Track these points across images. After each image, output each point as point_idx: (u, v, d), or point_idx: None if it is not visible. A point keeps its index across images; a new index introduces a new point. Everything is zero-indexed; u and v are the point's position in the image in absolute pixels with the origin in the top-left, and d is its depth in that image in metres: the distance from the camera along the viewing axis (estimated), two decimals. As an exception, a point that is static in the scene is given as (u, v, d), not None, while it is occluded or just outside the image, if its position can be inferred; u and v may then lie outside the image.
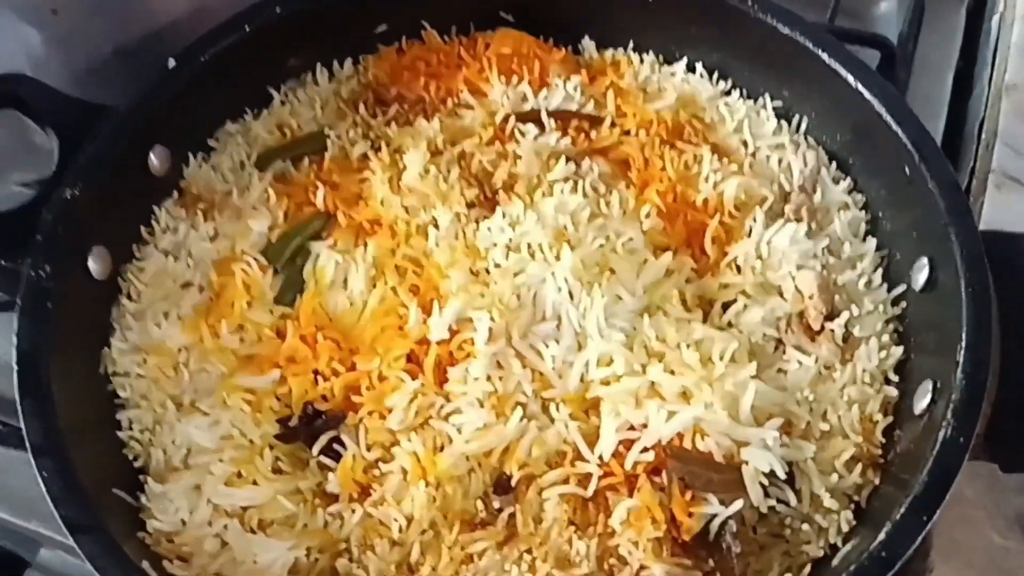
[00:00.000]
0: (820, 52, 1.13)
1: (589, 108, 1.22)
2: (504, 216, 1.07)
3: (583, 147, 1.17)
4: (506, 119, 1.18)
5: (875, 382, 1.00)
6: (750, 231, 1.09)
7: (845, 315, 1.02)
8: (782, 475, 0.91)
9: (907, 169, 1.04)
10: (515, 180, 1.12)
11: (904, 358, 1.02)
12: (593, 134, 1.19)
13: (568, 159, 1.13)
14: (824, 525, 0.92)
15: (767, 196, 1.11)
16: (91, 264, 1.04)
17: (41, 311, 0.95)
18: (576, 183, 1.10)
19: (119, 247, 1.09)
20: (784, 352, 1.03)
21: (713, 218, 1.09)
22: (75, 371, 0.98)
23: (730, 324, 1.04)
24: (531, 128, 1.18)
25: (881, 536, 0.81)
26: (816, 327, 1.03)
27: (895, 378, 1.01)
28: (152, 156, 1.12)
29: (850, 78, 1.11)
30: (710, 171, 1.12)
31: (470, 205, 1.09)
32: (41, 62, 1.22)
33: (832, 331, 1.02)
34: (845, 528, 0.92)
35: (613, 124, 1.19)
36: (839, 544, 0.91)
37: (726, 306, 1.05)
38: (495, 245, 1.05)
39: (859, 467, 0.94)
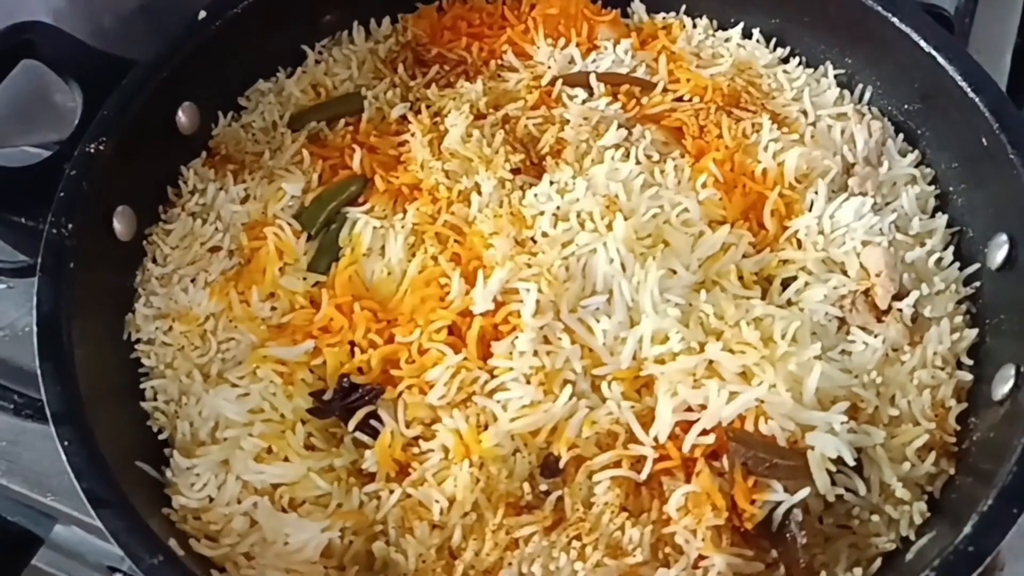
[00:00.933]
0: (890, 15, 1.06)
1: (640, 73, 1.15)
2: (552, 183, 1.01)
3: (634, 113, 1.11)
4: (552, 82, 1.12)
5: (947, 366, 0.94)
6: (811, 205, 1.02)
7: (914, 295, 0.96)
8: (851, 462, 0.85)
9: (984, 140, 0.97)
10: (563, 146, 1.06)
11: (978, 341, 0.95)
12: (644, 100, 1.13)
13: (619, 126, 1.06)
14: (895, 516, 0.86)
15: (831, 167, 1.05)
16: (115, 224, 0.99)
17: (63, 271, 0.89)
18: (628, 151, 1.04)
19: (144, 208, 1.03)
20: (848, 332, 0.96)
21: (773, 190, 1.03)
22: (97, 337, 0.93)
23: (790, 302, 0.98)
24: (579, 92, 1.12)
25: (967, 530, 0.75)
26: (883, 306, 0.97)
27: (969, 362, 0.94)
28: (180, 113, 1.07)
29: (923, 42, 1.04)
30: (769, 140, 1.06)
31: (515, 171, 1.04)
32: (63, 15, 1.17)
33: (900, 311, 0.96)
34: (918, 520, 0.85)
35: (665, 90, 1.13)
36: (911, 537, 0.85)
37: (786, 284, 0.99)
38: (542, 213, 0.99)
39: (932, 455, 0.88)
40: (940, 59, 1.02)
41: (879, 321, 0.96)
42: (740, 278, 0.98)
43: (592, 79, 1.12)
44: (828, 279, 0.98)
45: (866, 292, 0.97)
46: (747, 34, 1.20)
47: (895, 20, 1.06)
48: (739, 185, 1.04)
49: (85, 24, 1.19)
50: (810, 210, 1.02)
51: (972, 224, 1.01)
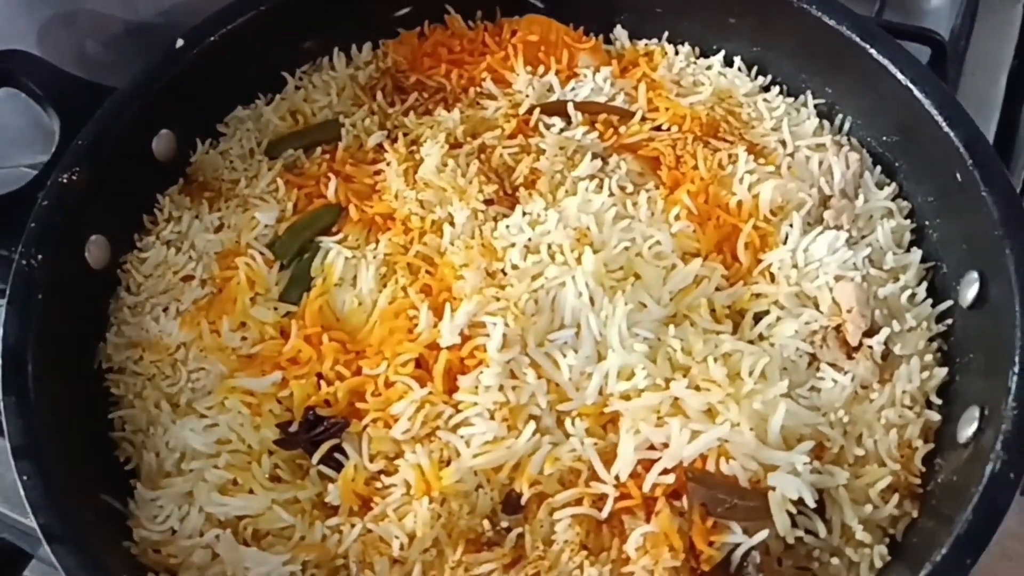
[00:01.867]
0: (868, 46, 1.06)
1: (619, 101, 1.15)
2: (524, 214, 1.01)
3: (611, 143, 1.11)
4: (530, 111, 1.12)
5: (916, 405, 0.93)
6: (786, 238, 1.02)
7: (885, 331, 0.95)
8: (812, 503, 0.84)
9: (958, 175, 0.97)
10: (537, 176, 1.06)
11: (948, 380, 0.94)
12: (622, 129, 1.12)
13: (595, 155, 1.06)
14: (855, 559, 0.85)
15: (805, 200, 1.04)
16: (88, 254, 0.99)
17: (31, 303, 0.90)
18: (602, 181, 1.04)
19: (119, 236, 1.04)
20: (818, 369, 0.96)
21: (747, 223, 1.02)
22: (66, 366, 0.93)
23: (761, 337, 0.98)
24: (557, 121, 1.12)
25: (920, 577, 0.75)
26: (853, 343, 0.96)
27: (938, 401, 0.93)
28: (156, 141, 1.08)
29: (899, 74, 1.03)
30: (745, 172, 1.05)
31: (488, 202, 1.03)
32: (50, 40, 1.18)
33: (871, 348, 0.95)
34: (879, 564, 0.85)
35: (644, 119, 1.13)
36: (871, 581, 0.85)
37: (758, 317, 0.99)
38: (513, 245, 0.99)
39: (896, 497, 0.87)
40: (916, 92, 1.01)
41: (849, 358, 0.95)
42: (712, 311, 0.98)
43: (570, 108, 1.12)
44: (800, 314, 0.97)
45: (837, 328, 0.97)
46: (729, 61, 1.20)
47: (873, 51, 1.05)
48: (713, 217, 1.04)
49: (69, 48, 1.20)
50: (784, 243, 1.02)
51: (946, 259, 1.01)
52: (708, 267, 0.99)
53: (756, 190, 1.04)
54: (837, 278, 0.99)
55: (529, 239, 0.99)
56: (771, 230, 1.03)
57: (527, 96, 1.14)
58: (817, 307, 0.98)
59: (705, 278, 0.99)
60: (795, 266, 1.00)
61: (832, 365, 0.95)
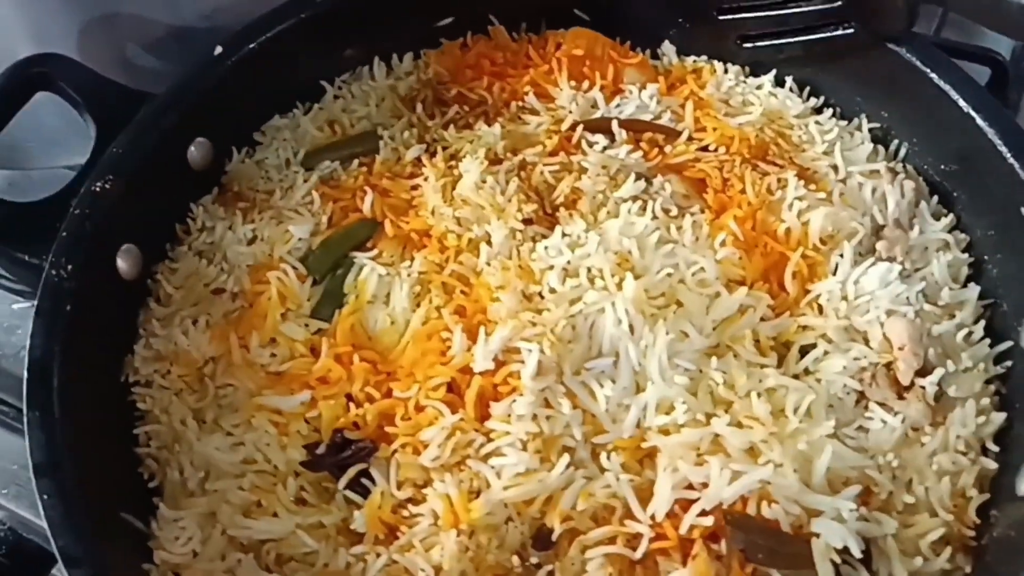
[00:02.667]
0: (928, 70, 1.01)
1: (665, 119, 1.12)
2: (563, 236, 0.98)
3: (656, 162, 1.07)
4: (573, 127, 1.09)
5: (971, 451, 0.89)
6: (836, 268, 0.98)
7: (939, 372, 0.91)
8: (858, 553, 0.80)
9: (1023, 208, 0.92)
10: (578, 196, 1.03)
11: (1006, 426, 0.90)
12: (668, 148, 1.09)
13: (638, 176, 1.03)
14: (903, 615, 0.81)
15: (857, 229, 1.00)
16: (120, 263, 0.98)
17: (59, 315, 0.88)
18: (645, 204, 1.00)
19: (151, 245, 1.02)
20: (866, 407, 0.91)
21: (795, 251, 0.98)
22: (93, 379, 0.92)
23: (807, 371, 0.93)
24: (600, 139, 1.08)
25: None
26: (905, 382, 0.92)
27: (995, 448, 0.89)
28: (192, 149, 1.06)
29: (960, 100, 0.99)
30: (795, 198, 1.02)
31: (527, 221, 1.00)
32: (90, 43, 1.17)
33: (923, 388, 0.91)
34: (929, 620, 0.81)
35: (690, 139, 1.09)
36: (918, 638, 0.80)
37: (804, 351, 0.94)
38: (551, 268, 0.96)
39: (948, 551, 0.83)
40: (979, 120, 0.98)
41: (900, 397, 0.91)
42: (756, 342, 0.94)
43: (614, 125, 1.09)
44: (848, 349, 0.93)
45: (888, 365, 0.93)
46: (780, 82, 1.16)
47: (933, 76, 1.01)
48: (760, 244, 1.00)
49: (109, 52, 1.19)
50: (834, 274, 0.98)
51: (1006, 297, 0.96)
52: (754, 296, 0.96)
53: (806, 217, 1.01)
54: (889, 313, 0.95)
55: (568, 262, 0.96)
56: (820, 259, 0.99)
57: (570, 112, 1.11)
58: (867, 343, 0.94)
59: (751, 308, 0.95)
60: (844, 298, 0.96)
61: (881, 404, 0.91)
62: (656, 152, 1.08)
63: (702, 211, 1.02)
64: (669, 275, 0.95)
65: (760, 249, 1.00)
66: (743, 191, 1.03)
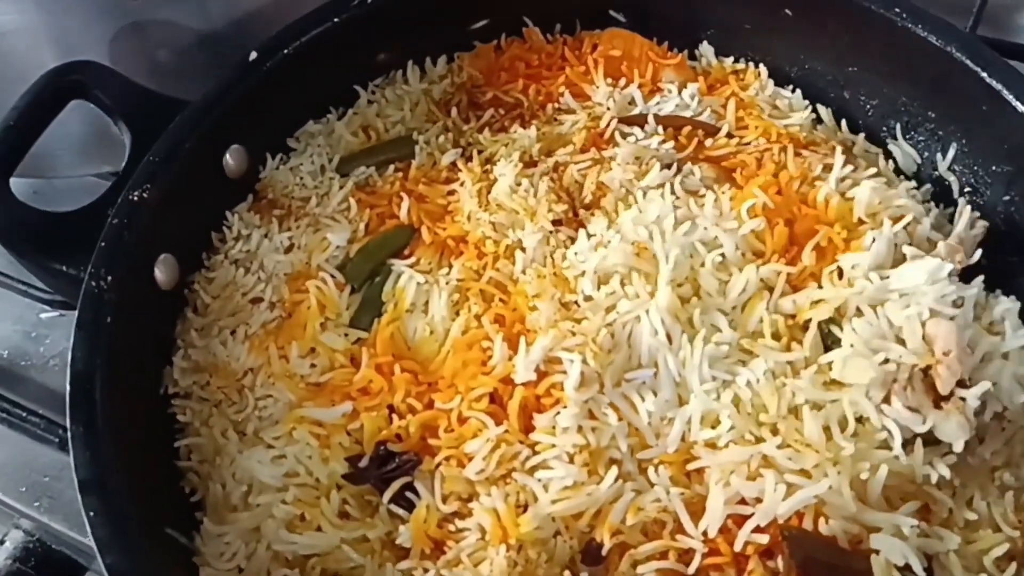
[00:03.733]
0: (979, 69, 0.99)
1: (705, 118, 1.09)
2: (589, 237, 0.96)
3: (688, 153, 1.04)
4: (608, 124, 1.06)
5: (1035, 465, 0.86)
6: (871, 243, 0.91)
7: (984, 384, 0.84)
8: (920, 571, 0.78)
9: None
10: (604, 193, 1.00)
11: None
12: (708, 143, 1.06)
13: (666, 165, 1.00)
14: (969, 632, 0.79)
15: (906, 211, 0.94)
16: (157, 273, 0.97)
17: (100, 326, 0.87)
18: (667, 186, 0.98)
19: (188, 255, 1.01)
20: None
21: (833, 225, 0.93)
22: (134, 392, 0.91)
23: (831, 376, 0.87)
24: (636, 131, 1.06)
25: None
26: (944, 391, 0.84)
27: (1059, 462, 0.86)
28: (227, 156, 1.05)
29: (1013, 99, 0.96)
30: (838, 175, 0.97)
31: (556, 222, 0.98)
32: (120, 53, 1.15)
33: (963, 400, 0.84)
34: (994, 637, 0.78)
35: (730, 135, 1.06)
36: (984, 656, 0.78)
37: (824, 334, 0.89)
38: (583, 274, 0.94)
39: (1013, 567, 0.80)
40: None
41: (936, 407, 0.85)
42: (775, 333, 0.89)
43: (651, 119, 1.07)
44: (879, 350, 0.86)
45: (926, 370, 0.86)
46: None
47: (984, 75, 0.98)
48: (789, 211, 0.95)
49: (141, 60, 1.17)
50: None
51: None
52: (771, 268, 0.91)
53: (851, 191, 0.96)
54: (932, 313, 0.88)
55: (596, 266, 0.93)
56: (860, 234, 0.93)
57: (608, 108, 1.09)
58: (901, 341, 0.87)
59: (765, 288, 0.91)
60: (870, 278, 0.90)
61: (913, 410, 0.84)
62: (695, 144, 1.05)
63: (730, 188, 0.99)
64: (691, 257, 0.91)
65: (787, 217, 0.94)
66: (783, 168, 1.00)
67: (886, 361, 0.86)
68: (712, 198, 0.96)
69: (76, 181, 1.30)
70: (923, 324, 0.88)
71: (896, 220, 0.94)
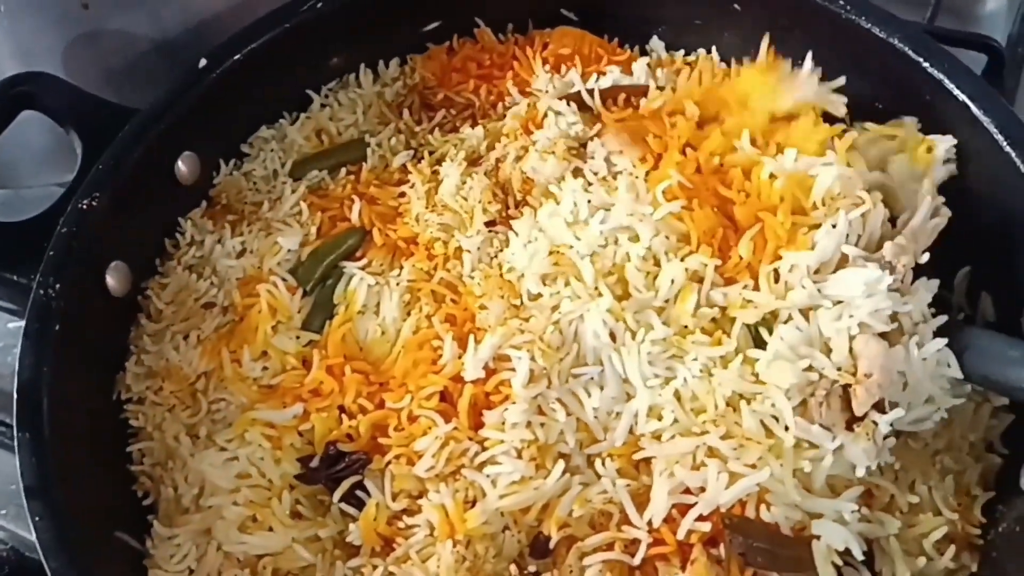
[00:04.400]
0: (921, 59, 0.99)
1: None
2: (518, 236, 0.97)
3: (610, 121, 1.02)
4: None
5: (975, 449, 0.87)
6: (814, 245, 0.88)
7: (898, 412, 0.81)
8: (860, 555, 0.79)
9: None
10: (531, 186, 1.00)
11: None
12: (642, 103, 1.05)
13: (570, 148, 1.00)
14: (907, 616, 0.80)
15: (863, 202, 0.89)
16: (109, 280, 0.97)
17: (48, 335, 0.88)
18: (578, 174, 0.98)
19: (140, 261, 1.02)
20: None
21: (780, 206, 0.89)
22: (84, 398, 0.91)
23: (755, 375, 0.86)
24: (570, 109, 1.04)
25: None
26: (859, 413, 0.82)
27: (1004, 451, 0.87)
28: (180, 163, 1.05)
29: (955, 90, 0.97)
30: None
31: (490, 224, 0.99)
32: (76, 58, 1.16)
33: (875, 424, 0.81)
34: (933, 621, 0.79)
35: (661, 88, 1.06)
36: (922, 640, 0.79)
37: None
38: (522, 275, 0.94)
39: (952, 549, 0.81)
40: (974, 109, 0.95)
41: (847, 428, 0.82)
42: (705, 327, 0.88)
43: (584, 94, 1.06)
44: (804, 356, 0.84)
45: (845, 387, 0.83)
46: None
47: (926, 65, 0.99)
48: (715, 195, 0.93)
49: (97, 68, 1.18)
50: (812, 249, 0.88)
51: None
52: (698, 260, 0.89)
53: (816, 171, 0.91)
54: (863, 327, 0.84)
55: (524, 268, 0.93)
56: (809, 221, 0.89)
57: (547, 92, 1.09)
58: (829, 351, 0.84)
59: (693, 282, 0.89)
60: (804, 285, 0.86)
61: (826, 428, 0.82)
62: (630, 111, 1.04)
63: (642, 160, 0.96)
64: (614, 243, 0.91)
65: (712, 200, 0.92)
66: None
67: (810, 368, 0.84)
68: (625, 182, 0.94)
69: (43, 191, 1.30)
70: (852, 339, 0.84)
71: (851, 207, 0.89)
